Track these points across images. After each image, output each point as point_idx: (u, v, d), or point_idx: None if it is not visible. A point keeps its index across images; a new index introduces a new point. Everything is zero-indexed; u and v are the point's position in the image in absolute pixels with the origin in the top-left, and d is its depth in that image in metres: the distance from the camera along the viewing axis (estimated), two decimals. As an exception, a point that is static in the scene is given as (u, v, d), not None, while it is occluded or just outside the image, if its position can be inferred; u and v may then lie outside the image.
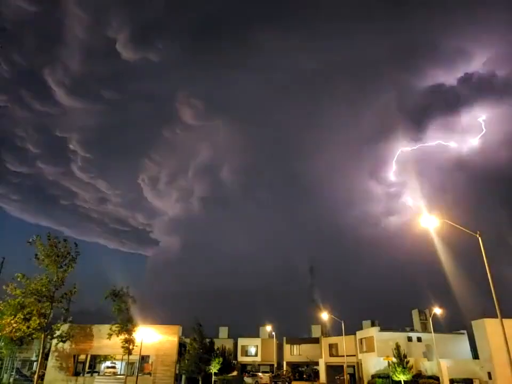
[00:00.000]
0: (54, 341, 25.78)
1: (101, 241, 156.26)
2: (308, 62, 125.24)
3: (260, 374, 52.03)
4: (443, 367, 33.53)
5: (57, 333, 23.42)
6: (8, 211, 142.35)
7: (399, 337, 46.17)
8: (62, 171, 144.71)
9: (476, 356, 35.81)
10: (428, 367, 42.01)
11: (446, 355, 38.64)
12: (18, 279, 20.68)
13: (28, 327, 19.98)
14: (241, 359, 66.35)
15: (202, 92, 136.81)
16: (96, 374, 33.02)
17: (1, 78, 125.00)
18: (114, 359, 34.44)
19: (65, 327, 24.07)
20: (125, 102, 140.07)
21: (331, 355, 59.80)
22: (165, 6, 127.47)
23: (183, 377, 32.10)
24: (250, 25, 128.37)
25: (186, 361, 29.06)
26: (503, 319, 16.05)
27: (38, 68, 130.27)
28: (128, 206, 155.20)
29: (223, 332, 68.27)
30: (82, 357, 33.28)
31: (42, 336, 20.62)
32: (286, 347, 68.10)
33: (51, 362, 31.76)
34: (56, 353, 31.81)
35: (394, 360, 39.09)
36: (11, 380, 31.80)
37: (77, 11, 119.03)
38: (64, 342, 25.27)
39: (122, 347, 28.43)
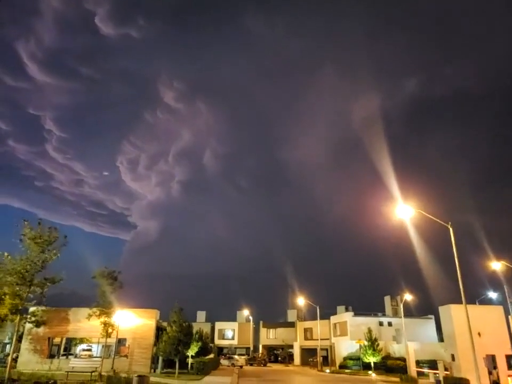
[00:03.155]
0: (28, 325, 25.57)
1: (76, 224, 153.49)
2: (293, 47, 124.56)
3: (236, 356, 53.07)
4: (410, 349, 35.11)
5: (33, 318, 23.21)
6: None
7: (371, 321, 48.01)
8: (35, 151, 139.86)
9: (441, 339, 37.62)
10: (396, 349, 43.94)
11: (414, 338, 40.46)
12: (3, 258, 20.18)
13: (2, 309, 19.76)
14: (218, 342, 67.43)
15: (185, 73, 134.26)
16: (72, 356, 33.06)
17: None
18: (90, 342, 34.53)
19: (41, 311, 23.90)
20: (104, 80, 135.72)
21: (306, 339, 61.51)
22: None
23: (160, 359, 32.55)
24: (235, 6, 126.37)
25: (164, 343, 29.46)
26: (467, 305, 16.98)
27: (9, 40, 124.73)
28: (105, 189, 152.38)
29: (201, 316, 69.06)
30: (57, 339, 33.20)
31: (17, 319, 20.43)
32: (263, 331, 69.53)
33: (25, 345, 31.59)
34: (30, 336, 31.65)
35: (365, 343, 40.72)
36: (-16, 362, 31.50)
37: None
38: (38, 326, 25.09)
39: (103, 329, 28.54)
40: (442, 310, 33.02)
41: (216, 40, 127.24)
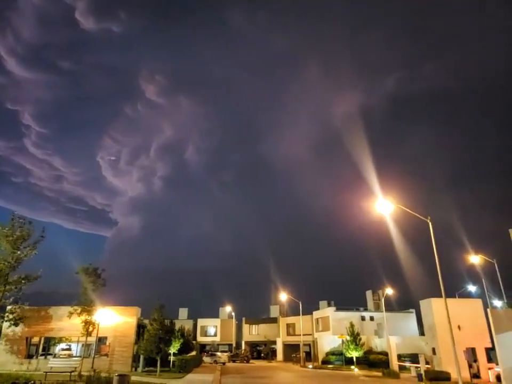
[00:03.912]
0: (6, 324, 24.82)
1: (56, 221, 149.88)
2: (276, 43, 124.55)
3: (218, 353, 52.85)
4: (392, 343, 35.60)
5: (10, 316, 22.53)
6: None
7: (353, 316, 48.51)
8: (13, 146, 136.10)
9: (422, 332, 38.31)
10: (378, 343, 44.57)
11: (395, 332, 41.07)
12: None
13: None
14: (201, 339, 67.08)
15: (167, 67, 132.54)
16: (51, 356, 32.23)
17: None
18: (70, 341, 33.76)
19: (18, 310, 23.22)
20: (84, 75, 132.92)
21: (288, 334, 61.80)
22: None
23: (141, 357, 32.05)
24: (218, 2, 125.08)
25: (145, 341, 29.00)
26: (447, 298, 17.21)
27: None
28: (86, 185, 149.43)
29: (183, 313, 68.54)
30: (35, 339, 32.34)
31: (-7, 318, 19.80)
32: (245, 327, 69.50)
33: (2, 345, 30.69)
34: (7, 336, 30.74)
35: (348, 338, 41.08)
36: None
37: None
38: (16, 325, 24.37)
39: (84, 328, 27.95)
40: (423, 303, 33.58)
41: (198, 34, 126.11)
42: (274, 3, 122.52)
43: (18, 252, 20.41)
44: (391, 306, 48.96)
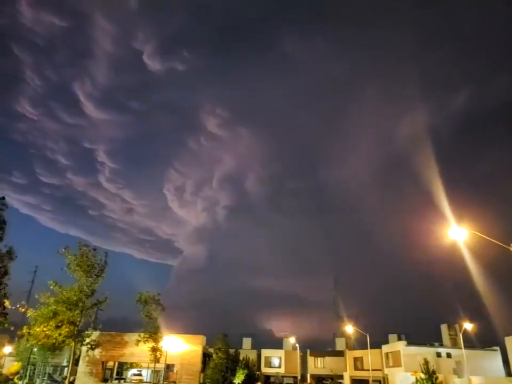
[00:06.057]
0: (84, 348, 26.62)
1: (127, 250, 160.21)
2: (334, 68, 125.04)
3: (283, 386, 51.45)
4: (474, 384, 32.32)
5: (87, 340, 24.20)
6: (40, 221, 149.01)
7: (427, 352, 44.78)
8: (90, 182, 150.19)
9: (509, 373, 34.37)
10: (458, 384, 40.53)
11: (477, 372, 37.23)
12: (51, 287, 21.56)
13: (60, 334, 20.82)
14: (265, 370, 65.84)
15: (227, 99, 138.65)
16: (123, 380, 33.67)
17: (35, 93, 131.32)
18: (141, 366, 35.05)
19: (95, 335, 24.89)
20: (151, 113, 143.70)
21: (356, 369, 58.52)
22: (190, 16, 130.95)
23: (207, 386, 32.31)
24: (274, 33, 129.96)
25: (211, 370, 29.28)
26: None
27: (68, 82, 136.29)
28: (153, 216, 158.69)
29: (247, 342, 68.04)
30: (110, 363, 34.05)
31: (73, 343, 21.39)
32: (310, 359, 67.12)
33: (81, 368, 32.68)
34: (86, 359, 32.73)
35: (422, 376, 37.93)
36: (43, 384, 32.91)
37: (105, 25, 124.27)
38: (93, 349, 26.06)
39: (151, 355, 28.98)
40: (509, 341, 30.34)
41: (257, 66, 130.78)
42: (331, 28, 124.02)
43: (91, 279, 22.08)
44: (470, 343, 44.52)
